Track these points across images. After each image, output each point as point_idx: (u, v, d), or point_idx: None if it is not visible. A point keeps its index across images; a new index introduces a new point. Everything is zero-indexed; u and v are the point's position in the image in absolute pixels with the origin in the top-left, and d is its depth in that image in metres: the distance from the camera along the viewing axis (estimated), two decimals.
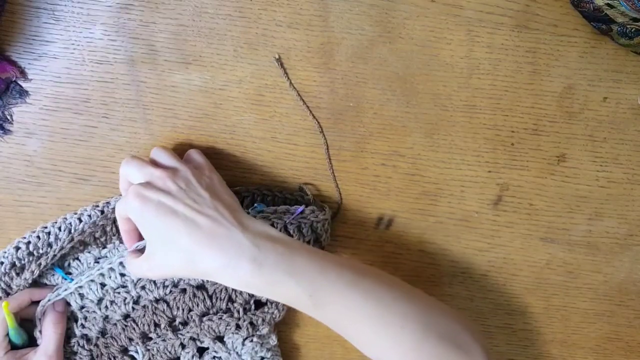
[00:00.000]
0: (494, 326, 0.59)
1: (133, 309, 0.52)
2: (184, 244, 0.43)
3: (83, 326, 0.53)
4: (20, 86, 0.50)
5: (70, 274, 0.53)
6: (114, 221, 0.51)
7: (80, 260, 0.53)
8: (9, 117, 0.51)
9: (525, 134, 0.52)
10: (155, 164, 0.47)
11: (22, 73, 0.50)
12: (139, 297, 0.52)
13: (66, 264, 0.53)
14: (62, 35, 0.49)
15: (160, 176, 0.45)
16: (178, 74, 0.51)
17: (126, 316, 0.52)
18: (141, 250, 0.47)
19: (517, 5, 0.49)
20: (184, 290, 0.51)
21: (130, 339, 0.52)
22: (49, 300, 0.51)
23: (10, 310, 0.50)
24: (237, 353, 0.53)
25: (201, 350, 0.54)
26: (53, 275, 0.53)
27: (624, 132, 0.52)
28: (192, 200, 0.44)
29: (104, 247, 0.52)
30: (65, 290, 0.51)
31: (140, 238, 0.48)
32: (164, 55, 0.50)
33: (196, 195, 0.45)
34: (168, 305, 0.52)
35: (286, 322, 0.57)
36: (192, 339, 0.53)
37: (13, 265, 0.52)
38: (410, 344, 0.44)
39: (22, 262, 0.52)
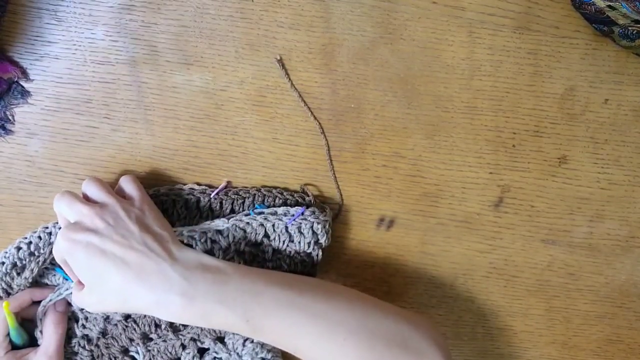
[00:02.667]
0: (495, 328, 0.59)
1: None
2: (114, 283, 0.43)
3: (84, 326, 0.53)
4: (22, 86, 0.51)
5: None
6: None
7: None
8: (10, 118, 0.51)
9: (526, 135, 0.52)
10: (86, 198, 0.47)
11: (24, 73, 0.50)
12: None
13: None
14: (63, 35, 0.49)
15: (88, 214, 0.45)
16: (179, 75, 0.51)
17: (127, 317, 0.52)
18: None
19: (519, 7, 0.49)
20: None
21: (131, 340, 0.52)
22: (50, 300, 0.51)
23: (10, 310, 0.50)
24: (237, 354, 0.53)
25: (202, 351, 0.54)
26: (54, 275, 0.53)
27: (625, 134, 0.52)
28: (120, 236, 0.44)
29: None
30: (67, 289, 0.51)
31: None
32: (165, 56, 0.50)
33: (125, 230, 0.44)
34: None
35: None
36: (193, 339, 0.53)
37: (14, 265, 0.52)
38: (354, 354, 0.44)
39: (23, 262, 0.52)
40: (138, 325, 0.52)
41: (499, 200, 0.54)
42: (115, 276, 0.43)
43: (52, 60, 0.50)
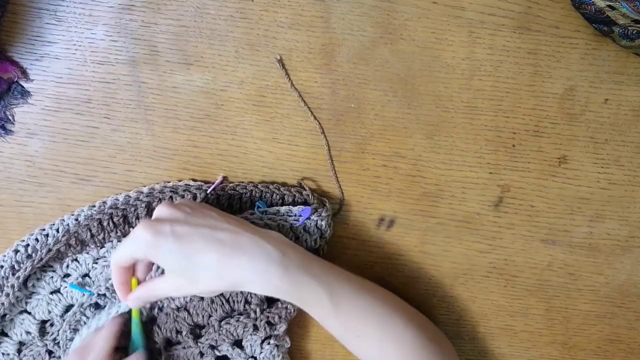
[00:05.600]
0: (496, 327, 0.59)
1: (158, 314, 0.52)
2: (210, 260, 0.44)
3: None
4: (22, 86, 0.51)
5: (68, 274, 0.53)
6: (111, 216, 0.51)
7: (79, 262, 0.53)
8: (10, 118, 0.51)
9: (526, 135, 0.52)
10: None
11: (24, 73, 0.50)
12: (162, 305, 0.52)
13: (64, 265, 0.53)
14: (63, 35, 0.49)
15: (165, 210, 0.46)
16: (179, 75, 0.51)
17: (151, 320, 0.53)
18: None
19: (519, 7, 0.49)
20: (202, 297, 0.51)
21: (155, 343, 0.53)
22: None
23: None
24: (254, 358, 0.54)
25: (219, 359, 0.54)
26: (51, 277, 0.53)
27: (625, 134, 0.52)
28: (203, 220, 0.45)
29: (102, 247, 0.52)
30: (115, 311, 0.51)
31: (130, 289, 0.49)
32: (165, 56, 0.50)
33: (204, 215, 0.46)
34: (189, 313, 0.52)
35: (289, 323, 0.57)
36: (211, 346, 0.53)
37: (12, 268, 0.52)
38: (410, 342, 0.47)
39: (21, 265, 0.52)
40: (161, 330, 0.52)
41: (499, 200, 0.54)
42: (210, 254, 0.44)
43: (52, 60, 0.50)
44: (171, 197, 0.52)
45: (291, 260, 0.45)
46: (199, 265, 0.44)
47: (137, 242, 0.44)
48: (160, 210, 0.46)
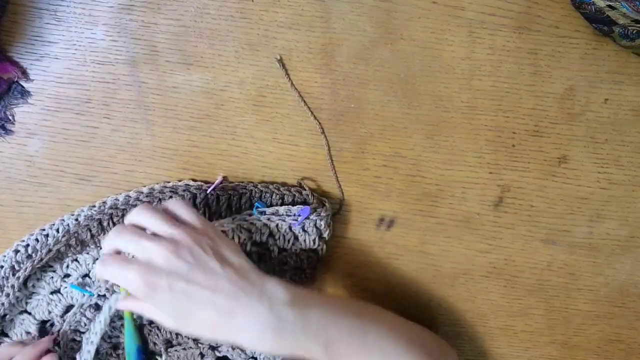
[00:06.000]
0: (496, 327, 0.59)
1: None
2: (204, 321, 0.43)
3: (110, 335, 0.54)
4: (22, 86, 0.51)
5: (68, 274, 0.53)
6: (111, 216, 0.51)
7: (79, 262, 0.53)
8: (10, 118, 0.51)
9: (526, 135, 0.52)
10: (142, 228, 0.44)
11: (24, 73, 0.50)
12: None
13: (65, 265, 0.53)
14: (63, 35, 0.49)
15: (161, 253, 0.42)
16: (179, 75, 0.51)
17: (150, 322, 0.53)
18: None
19: (519, 6, 0.49)
20: None
21: (155, 344, 0.53)
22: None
23: None
24: (254, 359, 0.54)
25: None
26: (51, 277, 0.53)
27: (625, 134, 0.52)
28: (204, 277, 0.42)
29: (102, 247, 0.52)
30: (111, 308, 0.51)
31: None
32: (165, 56, 0.50)
33: (206, 268, 0.43)
34: None
35: None
36: (212, 347, 0.53)
37: (12, 268, 0.52)
38: None
39: (21, 265, 0.52)
40: (160, 332, 0.52)
41: (499, 200, 0.54)
42: (205, 314, 0.42)
43: (52, 60, 0.50)
44: (171, 197, 0.52)
45: (287, 323, 0.43)
46: (192, 321, 0.43)
47: (130, 287, 0.43)
48: (155, 250, 0.42)
